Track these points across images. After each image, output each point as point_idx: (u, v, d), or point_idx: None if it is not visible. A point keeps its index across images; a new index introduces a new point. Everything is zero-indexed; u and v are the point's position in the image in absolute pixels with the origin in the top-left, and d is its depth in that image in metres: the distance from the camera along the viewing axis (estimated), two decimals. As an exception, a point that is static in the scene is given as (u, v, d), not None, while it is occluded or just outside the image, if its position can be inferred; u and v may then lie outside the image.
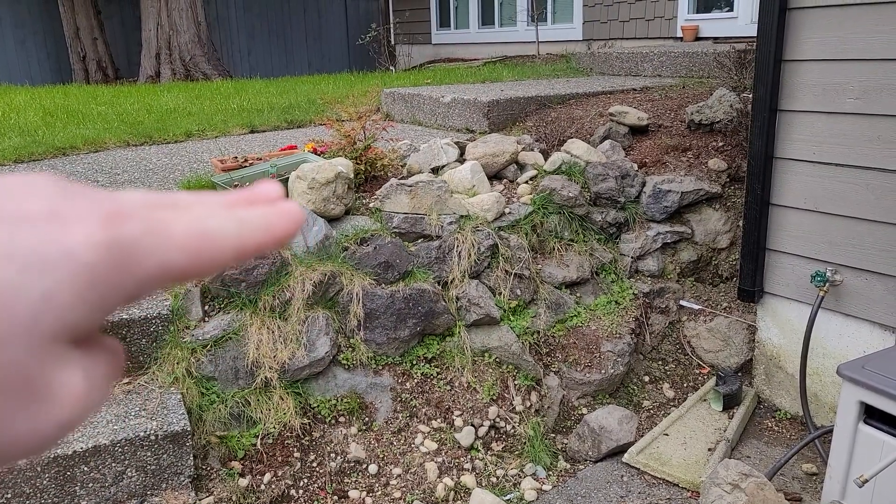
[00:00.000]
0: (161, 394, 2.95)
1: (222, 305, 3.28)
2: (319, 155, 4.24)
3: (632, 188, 4.28)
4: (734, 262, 4.28)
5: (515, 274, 3.79)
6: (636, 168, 4.36)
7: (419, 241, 3.76)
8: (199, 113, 6.36)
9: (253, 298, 3.26)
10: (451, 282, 3.66)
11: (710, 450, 3.37)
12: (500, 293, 3.75)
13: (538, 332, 3.76)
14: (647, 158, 4.52)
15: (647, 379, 3.96)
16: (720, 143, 4.57)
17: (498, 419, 3.42)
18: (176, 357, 3.05)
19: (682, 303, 4.23)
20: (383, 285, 3.54)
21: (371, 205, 3.93)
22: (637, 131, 4.81)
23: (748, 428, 3.63)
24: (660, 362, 4.07)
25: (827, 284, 3.35)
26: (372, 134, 4.26)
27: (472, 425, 3.37)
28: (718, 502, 2.81)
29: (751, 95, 4.81)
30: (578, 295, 4.04)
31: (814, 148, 3.37)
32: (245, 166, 4.00)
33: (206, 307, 3.27)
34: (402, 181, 3.82)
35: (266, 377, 3.13)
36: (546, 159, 4.46)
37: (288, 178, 3.80)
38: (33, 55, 12.48)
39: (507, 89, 6.02)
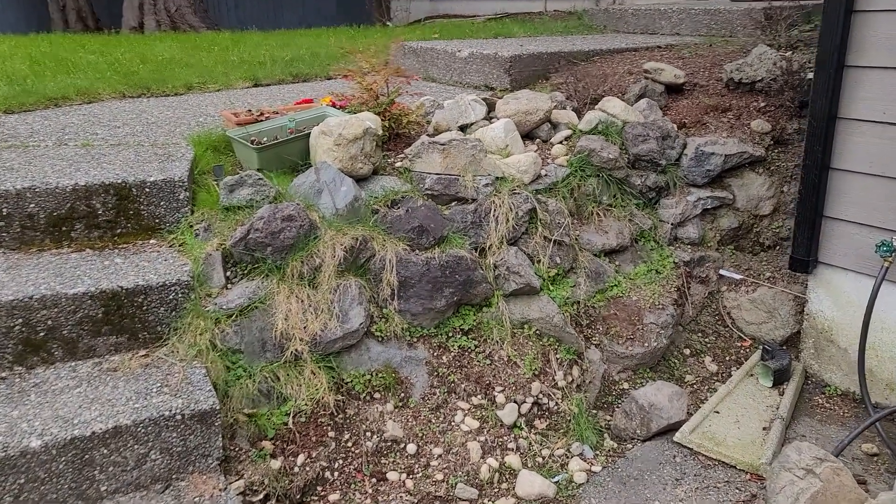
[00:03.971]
0: (183, 368, 2.69)
1: (246, 272, 3.00)
2: (339, 109, 3.93)
3: (672, 150, 4.02)
4: (777, 230, 4.07)
5: (555, 241, 3.54)
6: (676, 129, 4.10)
7: (453, 203, 3.48)
8: (197, 65, 5.99)
9: (280, 265, 2.98)
10: (489, 248, 3.40)
11: (764, 429, 3.18)
12: (538, 261, 3.50)
13: (578, 303, 3.53)
14: (685, 119, 4.25)
15: (687, 352, 3.76)
16: (762, 104, 4.31)
17: (541, 395, 3.20)
18: (198, 328, 2.78)
19: (723, 272, 4.01)
20: (417, 251, 3.27)
21: (398, 164, 3.65)
22: (672, 90, 4.54)
23: (798, 405, 3.44)
24: (699, 334, 3.86)
25: (893, 254, 3.14)
26: (396, 88, 3.95)
27: (515, 402, 3.15)
28: (790, 488, 2.62)
29: (790, 54, 4.55)
30: (617, 263, 3.81)
31: (885, 107, 3.13)
32: (260, 120, 3.69)
33: (229, 273, 2.99)
34: (433, 139, 3.53)
35: (296, 350, 2.88)
36: (579, 118, 4.18)
37: (307, 133, 3.50)
38: (11, 2, 11.87)
39: (525, 45, 5.70)
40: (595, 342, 3.50)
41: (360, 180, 3.42)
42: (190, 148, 3.58)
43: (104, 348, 2.77)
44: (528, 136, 4.02)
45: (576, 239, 3.66)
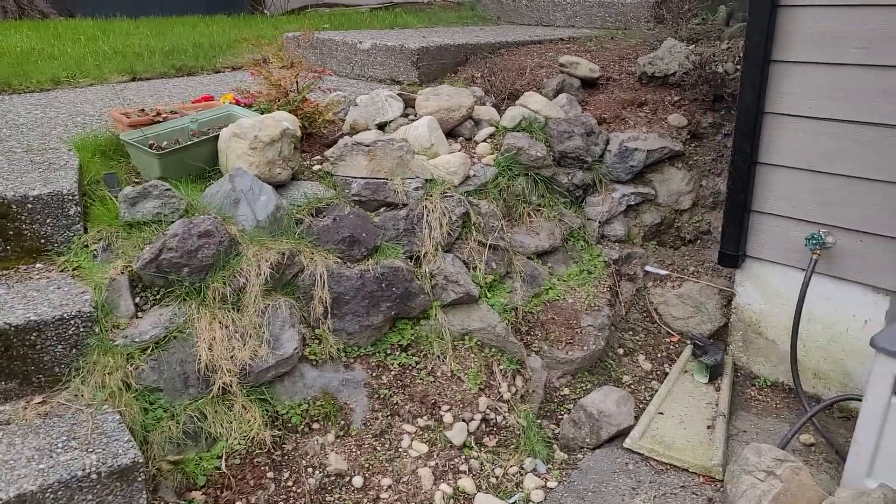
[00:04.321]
0: (92, 415, 2.30)
1: (158, 297, 2.62)
2: (245, 108, 3.56)
3: (596, 147, 3.94)
4: (697, 224, 4.08)
5: (490, 245, 3.37)
6: (598, 125, 4.03)
7: (382, 209, 3.23)
8: (63, 56, 5.35)
9: (199, 287, 2.63)
10: (424, 256, 3.17)
11: (708, 427, 3.16)
12: (475, 268, 3.31)
13: (516, 310, 3.38)
14: (604, 114, 4.19)
15: (621, 351, 3.70)
16: (676, 98, 4.32)
17: (488, 410, 3.02)
18: (107, 366, 2.39)
19: (648, 268, 3.99)
20: (349, 264, 3.00)
21: (316, 167, 3.35)
22: (587, 84, 4.47)
23: (733, 399, 3.45)
24: (630, 332, 3.81)
25: (822, 248, 3.19)
26: (307, 84, 3.63)
27: (463, 420, 2.95)
28: (751, 491, 2.58)
29: (694, 47, 4.60)
30: (550, 265, 3.68)
31: (810, 102, 3.16)
32: (157, 121, 3.27)
33: (138, 300, 2.61)
34: (357, 140, 3.25)
35: (224, 383, 2.54)
36: (500, 114, 4.03)
37: (215, 136, 3.14)
38: None
39: (428, 36, 5.48)
40: (535, 349, 3.36)
41: (278, 187, 3.09)
42: (73, 154, 3.13)
43: (-10, 397, 2.33)
44: (450, 134, 3.81)
45: (509, 242, 3.49)
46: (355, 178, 3.21)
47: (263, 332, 2.66)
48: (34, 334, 2.33)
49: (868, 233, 3.11)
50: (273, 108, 3.52)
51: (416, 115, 3.88)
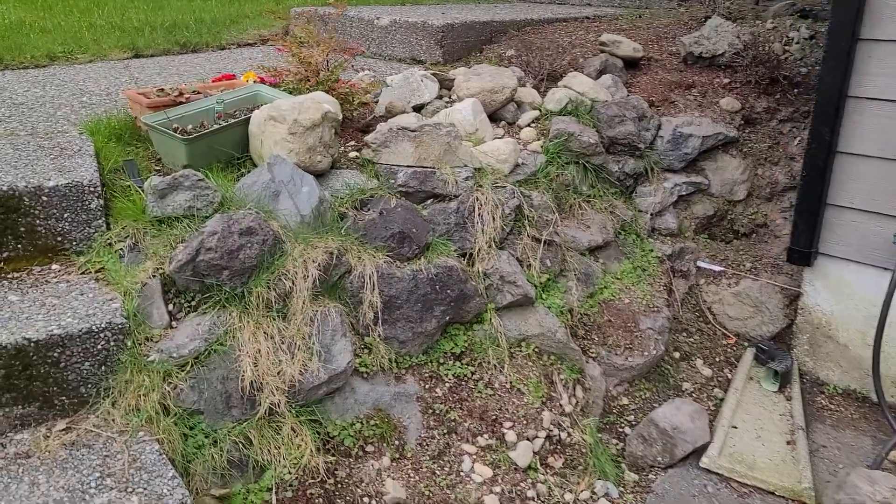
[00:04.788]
0: (126, 444, 1.99)
1: (193, 303, 2.30)
2: (272, 87, 3.22)
3: (647, 132, 3.65)
4: (752, 217, 3.81)
5: (545, 241, 3.07)
6: (649, 108, 3.73)
7: (429, 201, 2.92)
8: (57, 30, 4.95)
9: (241, 291, 2.31)
10: (477, 254, 2.88)
11: (788, 443, 2.90)
12: (528, 266, 3.02)
13: (572, 311, 3.10)
14: (652, 96, 3.90)
15: (677, 355, 3.43)
16: (726, 80, 4.04)
17: (552, 426, 2.74)
18: (142, 385, 2.08)
19: (701, 264, 3.72)
20: (399, 263, 2.69)
21: (352, 154, 3.03)
22: (629, 65, 4.17)
23: (805, 408, 3.20)
24: (684, 334, 3.55)
25: (910, 246, 2.93)
26: (339, 62, 3.30)
27: (527, 438, 2.67)
28: (859, 521, 2.33)
29: (740, 27, 4.31)
30: (602, 262, 3.40)
31: (899, 87, 2.89)
32: (180, 102, 2.92)
33: (171, 307, 2.29)
34: (402, 125, 2.93)
35: (272, 402, 2.24)
36: (542, 97, 3.72)
37: (245, 119, 2.80)
38: None
39: (448, 13, 5.15)
40: (593, 355, 3.09)
41: (318, 176, 2.77)
42: (87, 138, 2.78)
43: (5, 423, 2.01)
44: (492, 118, 3.49)
45: (562, 237, 3.20)
46: (400, 166, 2.90)
47: (313, 344, 2.36)
48: (58, 350, 2.01)
49: (961, 230, 2.86)
50: (303, 88, 3.19)
51: (451, 98, 3.57)
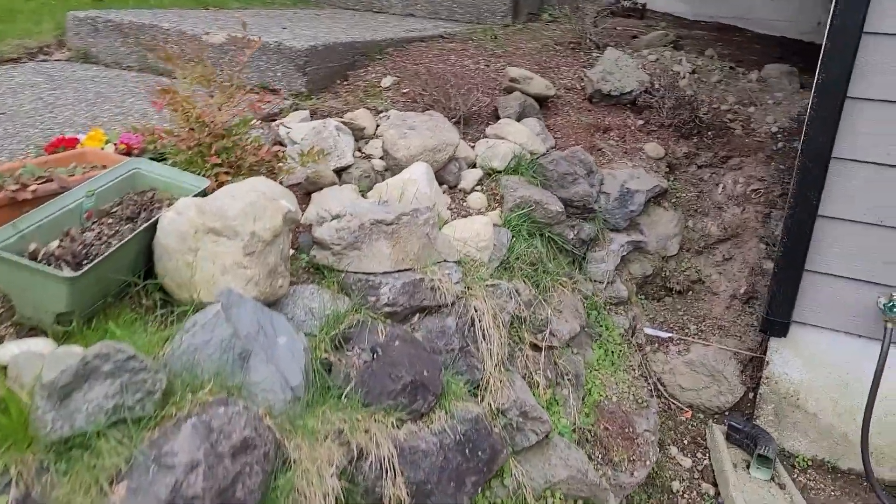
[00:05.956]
0: None
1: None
2: (140, 156, 2.18)
3: (593, 188, 3.16)
4: (686, 272, 3.51)
5: (546, 346, 2.44)
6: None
7: (415, 317, 2.14)
8: None
9: (242, 554, 1.38)
10: (485, 383, 2.16)
11: (816, 548, 2.61)
12: (535, 384, 2.37)
13: (575, 429, 2.51)
14: (578, 143, 3.41)
15: (651, 445, 3.00)
16: (640, 121, 3.69)
17: None
18: None
19: (648, 331, 3.34)
20: (412, 423, 1.89)
21: (302, 257, 2.13)
22: (538, 103, 3.64)
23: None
24: (646, 415, 3.14)
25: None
26: (246, 118, 2.33)
27: None
28: None
29: (635, 60, 4.01)
30: (576, 351, 2.85)
31: (890, 147, 2.70)
32: (25, 201, 1.79)
33: None
34: (375, 218, 2.10)
35: None
36: (472, 148, 3.06)
37: (139, 226, 1.80)
38: None
39: (294, 28, 4.22)
40: (602, 474, 2.53)
41: (272, 304, 1.86)
42: None
43: None
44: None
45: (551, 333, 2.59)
46: (374, 274, 2.08)
47: None
48: None
49: (946, 296, 2.76)
50: (199, 159, 2.18)
51: (367, 154, 2.80)
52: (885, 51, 2.59)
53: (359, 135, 2.90)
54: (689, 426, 3.22)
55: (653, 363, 3.32)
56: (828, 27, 2.64)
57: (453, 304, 2.17)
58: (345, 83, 3.85)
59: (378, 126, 3.14)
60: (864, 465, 2.88)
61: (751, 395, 3.27)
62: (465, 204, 2.77)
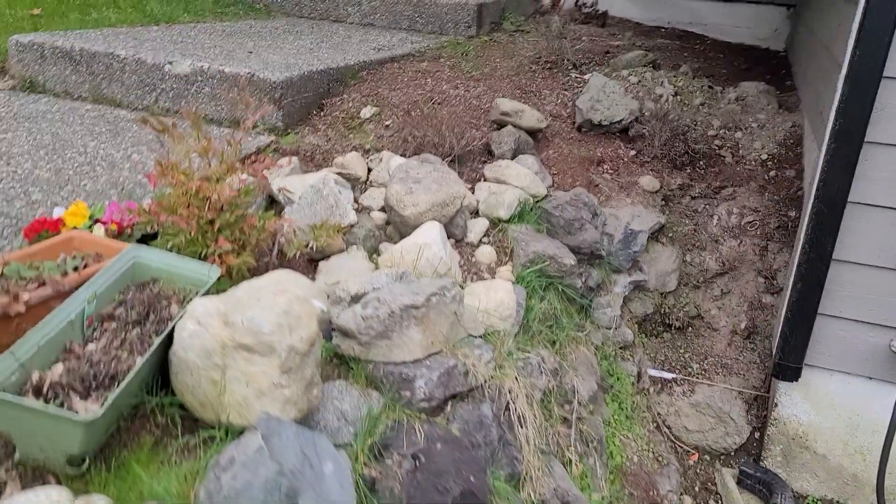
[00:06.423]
0: None
1: None
2: (146, 246, 1.94)
3: (597, 231, 3.04)
4: (685, 308, 3.43)
5: (577, 418, 2.31)
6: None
7: (447, 404, 1.97)
8: None
9: None
10: (526, 476, 2.01)
11: None
12: (564, 458, 2.24)
13: (603, 498, 2.39)
14: (575, 180, 3.29)
15: (665, 496, 2.92)
16: (632, 152, 3.58)
17: None
18: None
19: (652, 372, 3.25)
20: (463, 538, 1.73)
21: (324, 346, 1.93)
22: (530, 136, 3.49)
23: (803, 534, 2.93)
24: (656, 462, 3.06)
25: (910, 357, 2.76)
26: (247, 187, 2.10)
27: None
28: None
29: (619, 85, 3.91)
30: (592, 409, 2.73)
31: (900, 192, 2.67)
32: (18, 315, 1.54)
33: None
34: (406, 303, 1.91)
35: None
36: (471, 191, 2.90)
37: (153, 340, 1.58)
38: None
39: (259, 52, 3.95)
40: (631, 548, 2.43)
41: (302, 420, 1.67)
42: None
43: None
44: (439, 237, 2.58)
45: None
46: (404, 363, 1.90)
47: None
48: None
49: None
50: (201, 240, 1.95)
51: (364, 206, 2.62)
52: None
53: (354, 184, 2.70)
54: (698, 470, 3.15)
55: (657, 405, 3.23)
56: (845, 71, 2.57)
57: (485, 383, 2.01)
58: (321, 114, 3.63)
59: (370, 171, 2.95)
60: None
61: (756, 434, 3.22)
62: (473, 259, 2.60)
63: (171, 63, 3.50)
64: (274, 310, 1.54)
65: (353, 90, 3.80)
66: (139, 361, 1.50)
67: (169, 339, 1.58)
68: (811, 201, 2.75)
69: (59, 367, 1.48)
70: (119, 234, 1.96)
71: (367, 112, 3.55)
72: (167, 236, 1.93)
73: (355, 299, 1.99)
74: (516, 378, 2.08)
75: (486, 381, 2.02)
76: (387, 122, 3.49)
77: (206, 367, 1.52)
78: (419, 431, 1.80)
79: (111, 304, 1.70)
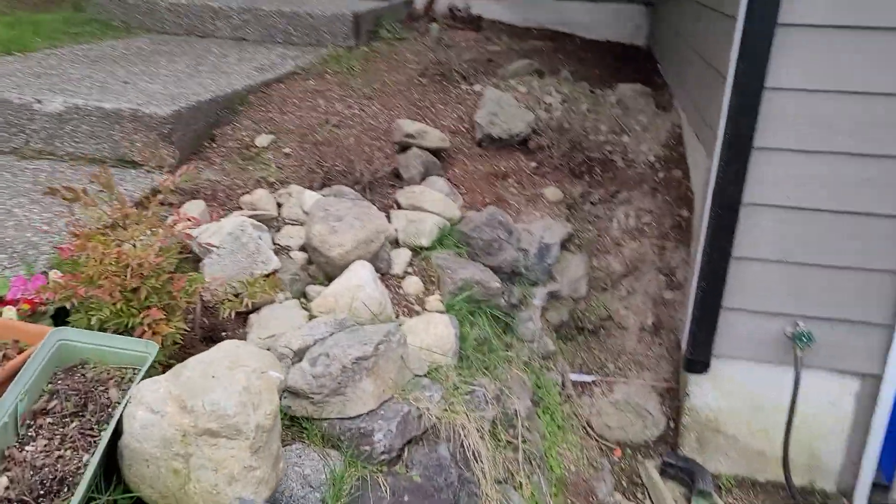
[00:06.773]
0: None
1: None
2: (42, 317, 1.80)
3: (515, 249, 3.09)
4: (596, 311, 3.56)
5: (523, 440, 2.35)
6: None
7: (404, 451, 1.96)
8: None
9: None
10: (486, 508, 2.04)
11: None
12: (515, 483, 2.28)
13: (551, 515, 2.46)
14: (485, 197, 3.33)
15: (599, 497, 3.04)
16: (533, 164, 3.67)
17: None
18: None
19: (573, 377, 3.36)
20: (440, 588, 1.73)
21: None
22: (434, 156, 3.50)
23: (723, 513, 3.12)
24: (585, 465, 3.17)
25: (811, 344, 3.00)
26: (172, 245, 1.99)
27: None
28: None
29: (515, 98, 4.00)
30: (528, 425, 2.78)
31: (789, 192, 2.88)
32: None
33: None
34: (356, 356, 1.88)
35: None
36: (388, 220, 2.88)
37: (100, 436, 1.48)
38: None
39: (132, 77, 3.73)
40: (581, 558, 2.51)
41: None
42: None
43: None
44: (364, 272, 2.55)
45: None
46: (359, 416, 1.87)
47: None
48: None
49: (846, 320, 3.01)
50: (127, 310, 1.83)
51: (283, 245, 2.55)
52: (784, 103, 2.75)
53: (268, 224, 2.62)
54: (623, 465, 3.29)
55: (580, 407, 3.34)
56: (731, 84, 2.74)
57: (429, 428, 2.01)
58: (213, 145, 3.48)
59: (280, 206, 2.87)
60: (785, 477, 3.10)
61: (672, 424, 3.40)
62: (401, 291, 2.59)
63: (39, 102, 3.23)
64: (235, 388, 1.47)
65: (243, 117, 3.67)
66: (91, 460, 1.40)
67: (116, 429, 1.48)
68: (708, 205, 2.93)
69: (2, 480, 1.34)
70: (32, 314, 1.80)
71: (262, 140, 3.43)
72: (90, 311, 1.79)
73: (298, 355, 1.93)
74: (466, 414, 2.09)
75: (439, 420, 2.02)
76: (286, 150, 3.40)
77: (167, 457, 1.43)
78: (384, 485, 1.77)
79: (42, 396, 1.57)
